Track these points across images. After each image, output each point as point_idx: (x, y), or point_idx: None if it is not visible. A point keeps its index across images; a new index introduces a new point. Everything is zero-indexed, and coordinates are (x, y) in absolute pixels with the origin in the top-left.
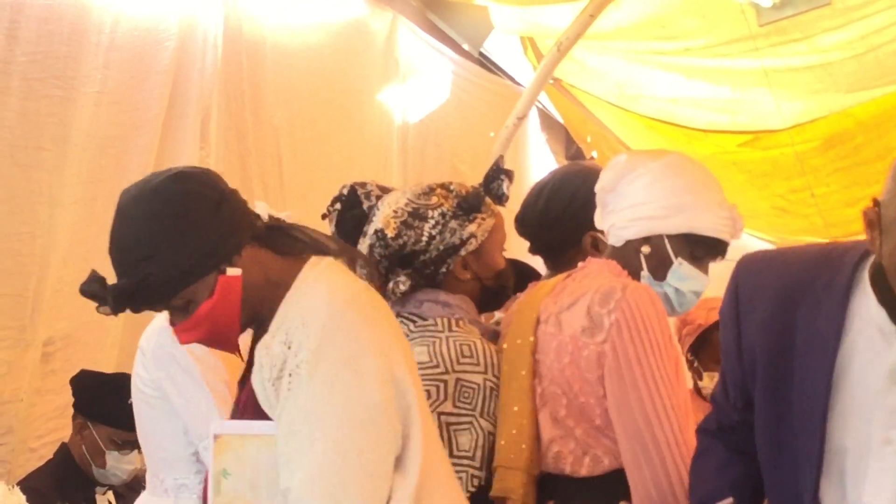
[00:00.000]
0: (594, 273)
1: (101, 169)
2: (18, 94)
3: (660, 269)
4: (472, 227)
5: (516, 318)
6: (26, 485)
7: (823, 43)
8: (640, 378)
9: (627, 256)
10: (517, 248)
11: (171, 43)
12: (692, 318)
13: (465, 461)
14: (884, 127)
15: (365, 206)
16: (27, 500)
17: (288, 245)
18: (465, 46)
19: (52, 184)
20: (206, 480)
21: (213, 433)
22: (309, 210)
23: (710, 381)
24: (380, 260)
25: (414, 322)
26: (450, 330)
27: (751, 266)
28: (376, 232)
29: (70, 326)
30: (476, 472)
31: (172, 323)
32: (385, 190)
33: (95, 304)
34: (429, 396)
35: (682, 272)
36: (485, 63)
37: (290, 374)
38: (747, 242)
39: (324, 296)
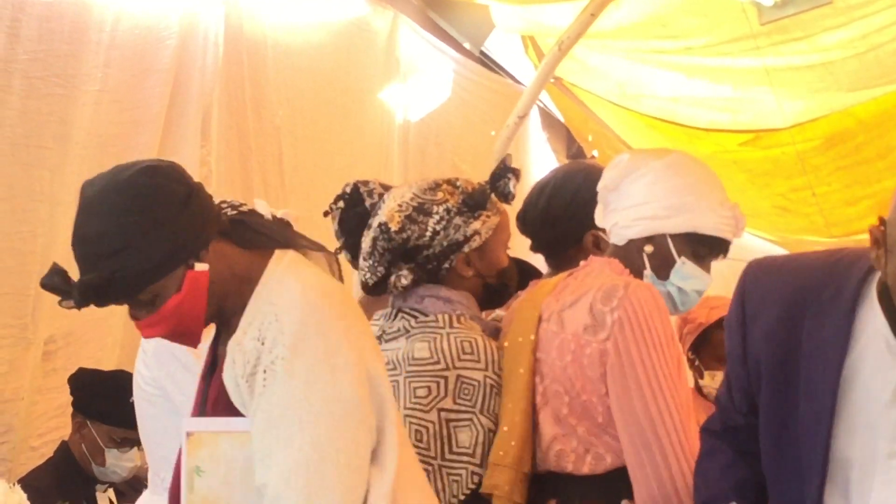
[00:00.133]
0: (596, 271)
1: (102, 167)
2: (19, 92)
3: (663, 268)
4: (476, 225)
5: (518, 315)
6: (27, 483)
7: (825, 42)
8: (642, 376)
9: (630, 255)
10: (518, 246)
11: (172, 41)
12: (693, 317)
13: (465, 458)
14: (885, 126)
15: (367, 203)
16: (28, 499)
17: (252, 239)
18: (467, 45)
19: (53, 182)
20: (175, 478)
21: (185, 430)
22: (310, 208)
23: (710, 380)
24: (383, 253)
25: (415, 318)
26: (451, 326)
27: (758, 273)
28: (380, 225)
29: (71, 325)
30: (476, 469)
31: (135, 317)
32: (388, 188)
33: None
34: (429, 392)
35: (685, 271)
36: (486, 62)
37: (264, 371)
38: (748, 241)
39: (295, 291)
